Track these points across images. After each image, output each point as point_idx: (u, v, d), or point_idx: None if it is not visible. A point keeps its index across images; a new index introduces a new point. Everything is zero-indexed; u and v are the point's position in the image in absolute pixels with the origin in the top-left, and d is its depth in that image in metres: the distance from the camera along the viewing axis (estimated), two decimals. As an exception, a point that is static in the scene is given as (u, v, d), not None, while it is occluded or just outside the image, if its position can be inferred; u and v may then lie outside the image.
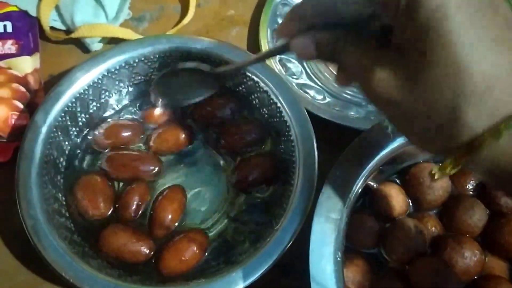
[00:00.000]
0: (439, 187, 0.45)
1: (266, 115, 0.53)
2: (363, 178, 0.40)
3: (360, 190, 0.40)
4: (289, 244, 0.43)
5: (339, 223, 0.38)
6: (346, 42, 0.28)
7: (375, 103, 0.28)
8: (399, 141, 0.41)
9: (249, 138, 0.53)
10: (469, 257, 0.42)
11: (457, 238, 0.43)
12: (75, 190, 0.49)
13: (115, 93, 0.54)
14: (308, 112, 0.52)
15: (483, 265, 0.43)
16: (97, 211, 0.48)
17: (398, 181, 0.48)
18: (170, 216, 0.48)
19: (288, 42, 0.31)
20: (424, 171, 0.46)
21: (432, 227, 0.45)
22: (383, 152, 0.41)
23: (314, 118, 0.52)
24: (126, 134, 0.53)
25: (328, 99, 0.58)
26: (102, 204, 0.48)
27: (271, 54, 0.42)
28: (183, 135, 0.52)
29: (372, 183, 0.46)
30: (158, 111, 0.54)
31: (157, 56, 0.52)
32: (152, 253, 0.47)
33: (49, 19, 0.62)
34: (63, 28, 0.64)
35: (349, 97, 0.59)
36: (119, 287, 0.42)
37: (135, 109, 0.55)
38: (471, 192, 0.47)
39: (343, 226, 0.38)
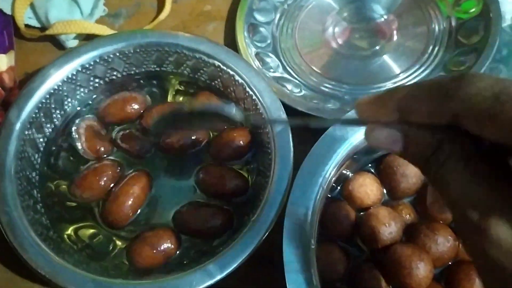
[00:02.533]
0: (412, 175, 0.46)
1: (242, 108, 0.53)
2: (336, 167, 0.40)
3: (333, 179, 0.41)
4: (265, 235, 0.43)
5: (312, 211, 0.39)
6: (452, 152, 0.21)
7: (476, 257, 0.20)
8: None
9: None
10: (442, 243, 0.43)
11: (430, 225, 0.44)
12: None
13: (91, 89, 0.54)
14: (286, 105, 0.52)
15: (457, 251, 0.44)
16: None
17: (372, 171, 0.48)
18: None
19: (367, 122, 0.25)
20: (397, 159, 0.46)
21: (407, 214, 0.46)
22: (354, 142, 0.41)
23: (292, 111, 0.53)
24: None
25: (305, 92, 0.59)
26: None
27: (340, 122, 0.39)
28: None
29: (347, 173, 0.47)
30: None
31: (132, 51, 0.52)
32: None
33: (24, 17, 0.62)
34: (38, 25, 0.63)
35: (326, 90, 0.60)
36: (96, 281, 0.42)
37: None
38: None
39: (317, 214, 0.39)
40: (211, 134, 0.53)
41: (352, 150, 0.41)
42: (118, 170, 0.50)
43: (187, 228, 0.48)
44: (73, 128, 0.52)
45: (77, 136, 0.51)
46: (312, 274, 0.36)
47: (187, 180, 0.51)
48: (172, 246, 0.46)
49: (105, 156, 0.51)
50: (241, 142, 0.51)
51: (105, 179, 0.49)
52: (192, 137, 0.51)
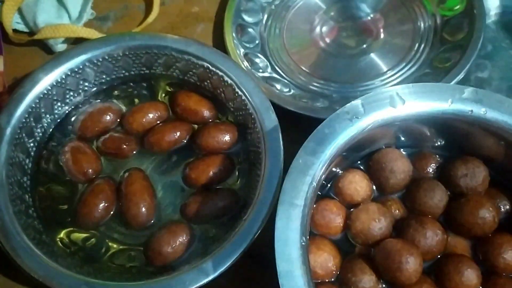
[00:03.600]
0: (400, 171, 0.46)
1: (232, 109, 0.53)
2: (326, 165, 0.41)
3: (323, 176, 0.41)
4: (257, 234, 0.44)
5: (303, 208, 0.39)
6: None
7: None
8: (358, 129, 0.42)
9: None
10: (431, 237, 0.43)
11: (419, 219, 0.44)
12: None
13: (81, 93, 0.54)
14: (275, 104, 0.52)
15: (446, 244, 0.44)
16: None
17: (362, 168, 0.49)
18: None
19: None
20: (386, 156, 0.47)
21: (396, 210, 0.46)
22: (343, 139, 0.42)
23: (281, 111, 0.53)
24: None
25: (294, 91, 0.59)
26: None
27: None
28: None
29: (337, 170, 0.48)
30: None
31: (121, 54, 0.52)
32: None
33: (12, 22, 0.62)
34: (26, 30, 0.63)
35: (315, 89, 0.60)
36: (89, 283, 0.42)
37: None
38: (431, 175, 0.48)
39: (307, 211, 0.39)
40: (194, 127, 0.54)
41: (342, 148, 0.42)
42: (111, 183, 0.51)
43: (200, 216, 0.49)
44: (59, 156, 0.52)
45: (64, 160, 0.51)
46: (304, 270, 0.37)
47: (176, 175, 0.52)
48: (188, 237, 0.47)
49: (94, 176, 0.51)
50: (226, 135, 0.52)
51: (103, 202, 0.49)
52: (176, 133, 0.52)
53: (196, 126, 0.54)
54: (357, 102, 0.43)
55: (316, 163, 0.41)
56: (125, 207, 0.49)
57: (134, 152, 0.53)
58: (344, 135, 0.42)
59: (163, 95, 0.56)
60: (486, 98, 0.43)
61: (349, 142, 0.42)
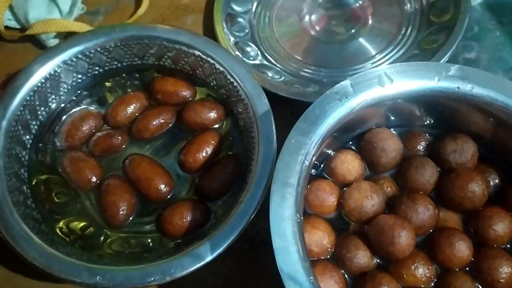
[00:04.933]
0: (391, 149, 0.47)
1: (224, 96, 0.54)
2: (317, 144, 0.41)
3: (315, 156, 0.42)
4: (253, 216, 0.45)
5: (296, 187, 0.40)
6: None
7: None
8: (348, 108, 0.43)
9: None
10: (422, 212, 0.44)
11: (411, 196, 0.45)
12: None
13: (75, 85, 0.55)
14: (267, 91, 0.53)
15: (437, 219, 0.45)
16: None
17: (354, 148, 0.50)
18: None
19: None
20: (377, 136, 0.48)
21: (388, 187, 0.47)
22: (334, 119, 0.42)
23: (274, 97, 0.54)
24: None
25: (285, 78, 0.60)
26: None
27: None
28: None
29: (329, 151, 0.48)
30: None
31: (113, 45, 0.53)
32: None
33: (4, 19, 0.62)
34: (18, 26, 0.64)
35: (306, 75, 0.61)
36: (90, 269, 0.43)
37: (94, 98, 0.56)
38: (422, 153, 0.49)
39: (301, 190, 0.40)
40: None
41: (332, 127, 0.42)
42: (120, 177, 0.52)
43: (214, 190, 0.50)
44: (59, 168, 0.52)
45: (66, 171, 0.51)
46: (300, 246, 0.37)
47: (171, 158, 0.53)
48: (201, 213, 0.49)
49: (98, 182, 0.51)
50: (212, 111, 0.53)
51: (124, 196, 0.50)
52: (161, 117, 0.53)
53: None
54: (346, 83, 0.44)
55: (307, 143, 0.42)
56: (142, 186, 0.50)
57: (126, 143, 0.53)
58: (334, 115, 0.43)
59: (155, 85, 0.57)
60: (472, 74, 0.44)
61: (339, 122, 0.43)
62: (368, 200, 0.45)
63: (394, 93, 0.44)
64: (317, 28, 0.65)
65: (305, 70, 0.62)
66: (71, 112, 0.55)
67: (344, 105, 0.43)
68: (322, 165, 0.49)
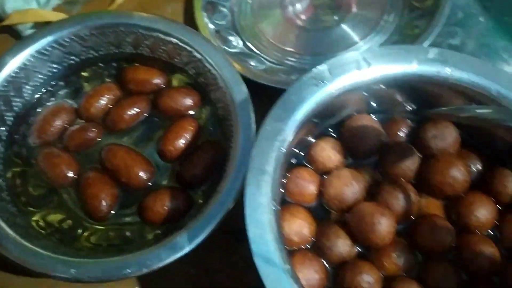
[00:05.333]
0: (372, 136, 0.46)
1: (203, 84, 0.53)
2: (294, 131, 0.41)
3: (293, 142, 0.41)
4: (232, 205, 0.44)
5: (273, 174, 0.39)
6: None
7: None
8: (325, 93, 0.42)
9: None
10: (404, 199, 0.43)
11: (392, 182, 0.45)
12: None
13: (50, 75, 0.53)
14: (249, 80, 0.53)
15: (419, 206, 0.45)
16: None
17: (334, 135, 0.49)
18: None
19: None
20: (357, 122, 0.47)
21: (369, 175, 0.46)
22: (311, 105, 0.41)
23: (256, 86, 0.53)
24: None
25: (268, 66, 0.59)
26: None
27: None
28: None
29: (309, 138, 0.48)
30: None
31: (89, 33, 0.52)
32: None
33: (-21, 10, 0.61)
34: (-6, 17, 0.62)
35: (290, 63, 0.60)
36: (65, 262, 0.42)
37: (71, 89, 0.55)
38: (403, 139, 0.48)
39: (278, 177, 0.39)
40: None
41: (310, 113, 0.41)
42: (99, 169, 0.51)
43: (196, 178, 0.49)
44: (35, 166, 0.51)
45: (41, 168, 0.50)
46: (276, 234, 0.37)
47: (151, 148, 0.52)
48: (183, 201, 0.48)
49: (76, 177, 0.50)
50: (187, 97, 0.52)
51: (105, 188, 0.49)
52: (135, 106, 0.52)
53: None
54: (323, 67, 0.43)
55: (284, 129, 0.41)
56: (121, 175, 0.49)
57: (101, 136, 0.52)
58: (311, 100, 0.42)
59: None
60: (451, 57, 0.43)
61: (317, 108, 0.42)
62: (349, 187, 0.44)
63: (372, 77, 0.43)
64: (303, 17, 0.64)
65: (289, 58, 0.61)
66: (47, 104, 0.54)
67: (321, 90, 0.42)
68: (302, 153, 0.48)
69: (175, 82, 0.55)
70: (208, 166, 0.49)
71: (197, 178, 0.49)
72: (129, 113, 0.52)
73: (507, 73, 0.44)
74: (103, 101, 0.52)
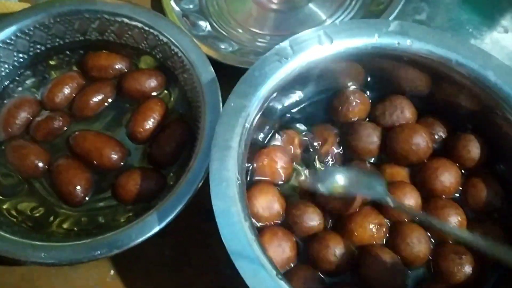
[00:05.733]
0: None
1: (171, 67, 0.53)
2: (258, 107, 0.41)
3: (255, 118, 0.41)
4: (200, 184, 0.44)
5: (238, 149, 0.39)
6: None
7: None
8: (288, 69, 0.42)
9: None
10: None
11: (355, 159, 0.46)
12: None
13: (17, 64, 0.53)
14: (218, 62, 0.53)
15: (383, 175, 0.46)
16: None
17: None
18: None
19: None
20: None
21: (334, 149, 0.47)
22: (274, 81, 0.42)
23: (225, 68, 0.53)
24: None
25: (238, 48, 0.60)
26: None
27: None
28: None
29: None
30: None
31: (53, 21, 0.52)
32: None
33: None
34: (-41, 10, 0.62)
35: (260, 44, 0.61)
36: (35, 247, 0.42)
37: (39, 78, 0.55)
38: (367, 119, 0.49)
39: (242, 152, 0.40)
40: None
41: (273, 89, 0.42)
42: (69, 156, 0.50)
43: (166, 157, 0.50)
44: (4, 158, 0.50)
45: (10, 160, 0.50)
46: (241, 207, 0.37)
47: (122, 132, 0.52)
48: (156, 180, 0.48)
49: (47, 167, 0.50)
50: (150, 78, 0.53)
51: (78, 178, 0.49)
52: (99, 92, 0.52)
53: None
54: (285, 44, 0.43)
55: (248, 105, 0.41)
56: (93, 157, 0.49)
57: (68, 124, 0.52)
58: (274, 76, 0.42)
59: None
60: (412, 30, 0.44)
61: (279, 84, 0.43)
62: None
63: (334, 52, 0.44)
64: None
65: (260, 40, 0.61)
66: (14, 94, 0.53)
67: (283, 66, 0.43)
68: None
69: (143, 66, 0.55)
70: (177, 144, 0.50)
71: (167, 157, 0.50)
72: (94, 99, 0.52)
73: (466, 42, 0.45)
74: (67, 90, 0.52)
